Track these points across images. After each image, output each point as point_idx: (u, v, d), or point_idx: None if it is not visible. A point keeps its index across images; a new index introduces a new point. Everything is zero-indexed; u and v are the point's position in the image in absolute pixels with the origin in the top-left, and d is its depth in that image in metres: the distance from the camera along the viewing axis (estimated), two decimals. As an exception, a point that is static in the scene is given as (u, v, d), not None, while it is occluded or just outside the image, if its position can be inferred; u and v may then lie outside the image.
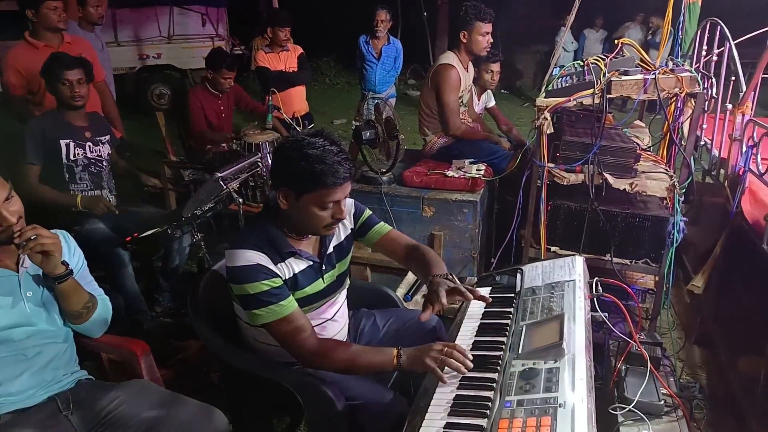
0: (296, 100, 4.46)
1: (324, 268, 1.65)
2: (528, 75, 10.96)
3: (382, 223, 1.79)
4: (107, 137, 2.79)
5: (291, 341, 1.51)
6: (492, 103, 3.97)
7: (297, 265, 1.58)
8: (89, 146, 2.69)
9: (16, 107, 3.08)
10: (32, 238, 1.42)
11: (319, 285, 1.64)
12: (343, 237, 1.72)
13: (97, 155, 2.73)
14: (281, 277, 1.52)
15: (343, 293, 1.78)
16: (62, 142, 2.60)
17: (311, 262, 1.61)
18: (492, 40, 3.09)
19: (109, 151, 2.79)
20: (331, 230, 1.58)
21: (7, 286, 1.49)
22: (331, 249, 1.68)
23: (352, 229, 1.76)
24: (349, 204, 1.73)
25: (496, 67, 3.59)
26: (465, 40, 3.07)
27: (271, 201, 1.59)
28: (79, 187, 2.68)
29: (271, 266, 1.51)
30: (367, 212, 1.78)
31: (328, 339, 1.62)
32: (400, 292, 2.58)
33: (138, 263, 2.94)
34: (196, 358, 2.50)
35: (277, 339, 1.54)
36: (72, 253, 1.66)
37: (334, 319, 1.72)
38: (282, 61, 4.35)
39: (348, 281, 1.78)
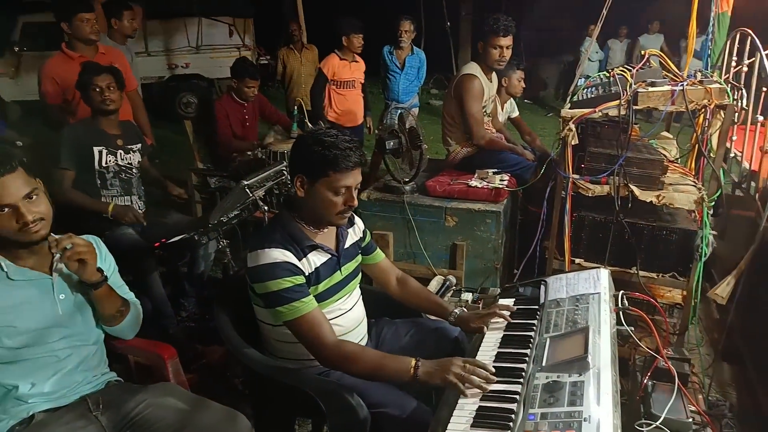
0: (354, 109, 4.55)
1: (341, 261, 1.72)
2: (551, 85, 10.89)
3: (378, 250, 1.94)
4: (138, 145, 2.87)
5: (311, 339, 1.56)
6: (516, 113, 3.96)
7: (318, 259, 1.65)
8: (120, 153, 2.77)
9: (51, 116, 3.18)
10: (68, 247, 1.46)
11: (337, 277, 1.71)
12: (356, 238, 1.82)
13: (128, 162, 2.80)
14: (304, 274, 1.59)
15: (358, 287, 1.84)
16: (95, 149, 2.68)
17: (330, 255, 1.69)
18: (506, 55, 3.06)
19: (140, 159, 2.87)
20: (344, 219, 1.66)
21: (41, 289, 1.54)
22: (347, 245, 1.76)
23: (361, 238, 1.85)
24: (359, 221, 1.85)
25: (520, 74, 3.63)
26: (481, 51, 3.09)
27: (291, 196, 1.67)
28: (110, 193, 2.76)
29: (296, 262, 1.57)
30: (369, 236, 1.90)
31: (348, 342, 1.64)
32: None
33: (164, 268, 3.00)
34: (220, 363, 2.53)
35: (298, 336, 1.58)
36: (104, 258, 1.70)
37: (352, 310, 1.77)
38: (351, 72, 4.41)
39: (360, 272, 1.86)
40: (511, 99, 3.87)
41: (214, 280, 3.25)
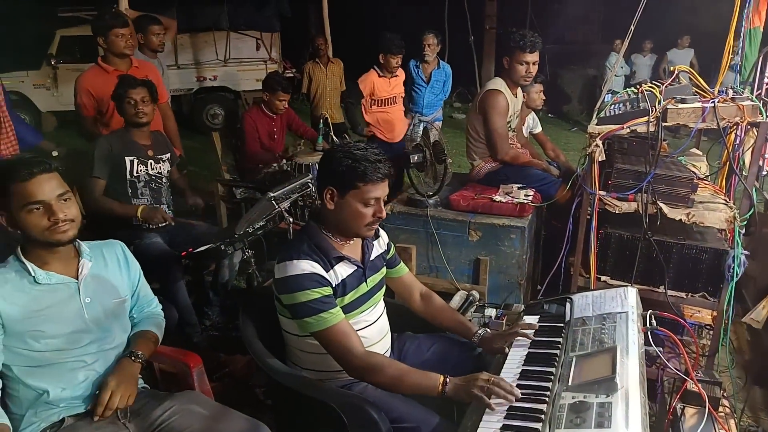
0: (398, 125, 4.59)
1: (367, 273, 1.74)
2: (575, 99, 10.80)
3: (402, 264, 1.95)
4: (167, 155, 2.94)
5: (339, 350, 1.57)
6: (538, 129, 3.95)
7: (344, 270, 1.67)
8: (151, 163, 2.84)
9: (86, 127, 3.28)
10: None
11: (363, 288, 1.72)
12: (381, 250, 1.84)
13: (158, 172, 2.87)
14: (331, 286, 1.61)
15: (382, 300, 1.85)
16: (127, 159, 2.75)
17: (356, 267, 1.71)
18: (533, 71, 3.03)
19: (169, 169, 2.94)
20: (372, 230, 1.69)
21: (67, 293, 1.57)
22: (373, 257, 1.78)
23: (385, 251, 1.87)
24: (384, 234, 1.88)
25: (538, 87, 3.63)
26: (507, 66, 3.08)
27: (318, 208, 1.71)
28: (141, 202, 2.82)
29: (324, 273, 1.60)
30: (393, 249, 1.92)
31: (376, 353, 1.65)
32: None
33: (190, 277, 3.04)
34: (242, 372, 2.55)
35: (326, 347, 1.60)
36: (128, 264, 1.76)
37: (377, 322, 1.78)
38: (391, 87, 4.47)
39: (385, 285, 1.87)
40: (533, 113, 3.86)
41: (238, 289, 3.29)
